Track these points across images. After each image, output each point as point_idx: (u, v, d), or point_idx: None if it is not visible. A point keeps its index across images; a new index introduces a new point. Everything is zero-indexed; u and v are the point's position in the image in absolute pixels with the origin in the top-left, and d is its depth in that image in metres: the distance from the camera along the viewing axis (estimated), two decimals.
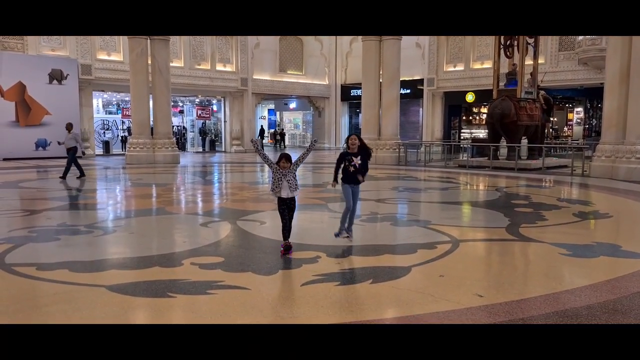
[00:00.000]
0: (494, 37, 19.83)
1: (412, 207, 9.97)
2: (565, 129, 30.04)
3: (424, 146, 22.76)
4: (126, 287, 4.56)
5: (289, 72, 31.25)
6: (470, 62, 27.06)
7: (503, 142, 17.80)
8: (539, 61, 20.09)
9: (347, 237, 6.20)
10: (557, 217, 8.34)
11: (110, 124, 27.65)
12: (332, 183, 6.32)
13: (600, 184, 13.07)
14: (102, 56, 23.94)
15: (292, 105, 36.83)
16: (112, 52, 24.23)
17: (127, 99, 24.01)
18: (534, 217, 8.26)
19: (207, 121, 30.83)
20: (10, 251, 5.89)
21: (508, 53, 18.91)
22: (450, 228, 7.29)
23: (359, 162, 6.03)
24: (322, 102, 33.18)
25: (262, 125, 35.67)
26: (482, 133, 27.05)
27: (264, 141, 35.15)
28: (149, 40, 19.54)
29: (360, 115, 26.00)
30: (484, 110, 26.18)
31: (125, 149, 24.15)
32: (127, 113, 25.52)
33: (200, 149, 29.99)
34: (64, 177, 13.74)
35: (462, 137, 28.78)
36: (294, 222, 5.85)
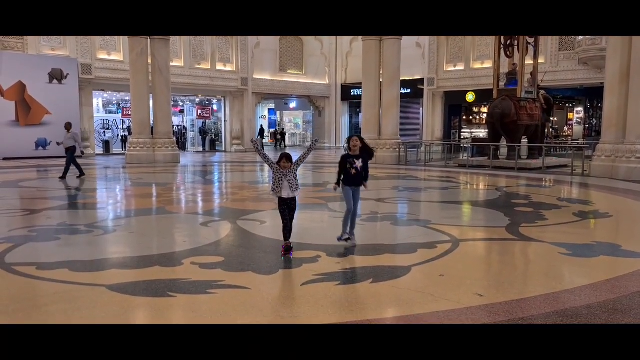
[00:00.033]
0: (494, 37, 19.83)
1: (413, 207, 9.98)
2: (566, 128, 30.05)
3: (424, 146, 22.73)
4: (126, 287, 4.57)
5: (289, 71, 31.24)
6: (471, 61, 27.07)
7: (503, 142, 17.82)
8: (539, 61, 20.08)
9: (349, 239, 6.10)
10: (557, 217, 8.34)
11: (110, 124, 27.63)
12: (334, 185, 6.29)
13: (600, 184, 13.07)
14: (102, 56, 23.94)
15: (293, 104, 36.82)
16: (112, 51, 24.24)
17: (127, 98, 24.00)
18: (534, 217, 8.26)
19: (207, 121, 30.80)
20: (10, 251, 5.89)
21: (508, 53, 18.91)
22: (451, 228, 7.30)
23: (360, 164, 6.01)
24: (322, 101, 33.17)
25: (262, 125, 35.68)
26: (482, 133, 27.06)
27: (264, 141, 35.14)
28: (149, 40, 19.52)
29: (360, 114, 26.01)
30: (484, 109, 26.23)
31: (125, 148, 24.16)
32: (127, 112, 25.50)
33: (201, 149, 29.98)
34: (63, 177, 13.73)
35: (462, 137, 28.77)
36: (294, 221, 5.84)
